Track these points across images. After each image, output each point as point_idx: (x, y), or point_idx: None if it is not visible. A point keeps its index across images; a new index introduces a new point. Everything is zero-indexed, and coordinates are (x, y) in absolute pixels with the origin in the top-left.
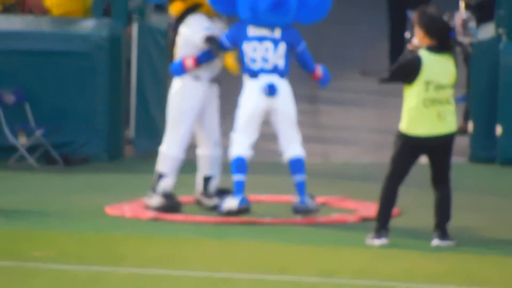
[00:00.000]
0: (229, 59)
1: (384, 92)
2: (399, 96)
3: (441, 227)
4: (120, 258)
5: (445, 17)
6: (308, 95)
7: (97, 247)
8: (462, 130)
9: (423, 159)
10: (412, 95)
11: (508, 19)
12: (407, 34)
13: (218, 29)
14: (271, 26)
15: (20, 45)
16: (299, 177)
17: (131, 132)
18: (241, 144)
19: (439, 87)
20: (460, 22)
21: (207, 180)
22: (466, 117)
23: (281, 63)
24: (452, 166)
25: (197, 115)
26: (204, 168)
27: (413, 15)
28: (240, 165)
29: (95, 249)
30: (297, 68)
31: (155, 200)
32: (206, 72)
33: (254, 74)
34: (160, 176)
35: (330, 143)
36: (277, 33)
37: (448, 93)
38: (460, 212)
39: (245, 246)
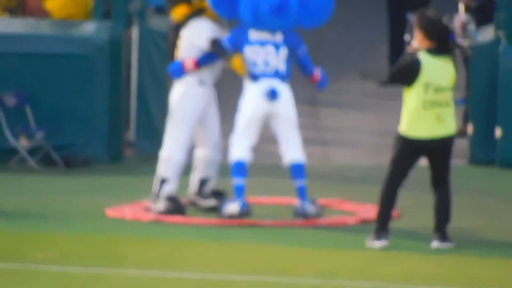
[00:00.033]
0: (237, 60)
1: (384, 94)
2: (399, 99)
3: (441, 229)
4: (121, 260)
5: (445, 20)
6: (308, 97)
7: (98, 248)
8: (461, 133)
9: (423, 161)
10: (412, 98)
11: (507, 22)
12: (406, 37)
13: (221, 33)
14: (273, 30)
15: (21, 47)
16: (300, 182)
17: (131, 134)
18: (241, 148)
19: (439, 89)
20: (459, 25)
21: (203, 182)
22: (465, 119)
23: (282, 67)
24: (451, 168)
25: (198, 119)
26: (201, 169)
27: (412, 18)
28: (240, 168)
29: (95, 251)
30: (297, 70)
31: (160, 204)
32: (211, 77)
33: (255, 78)
34: (163, 181)
35: (330, 145)
36: (279, 37)
37: (448, 96)
38: (460, 214)
39: (245, 248)
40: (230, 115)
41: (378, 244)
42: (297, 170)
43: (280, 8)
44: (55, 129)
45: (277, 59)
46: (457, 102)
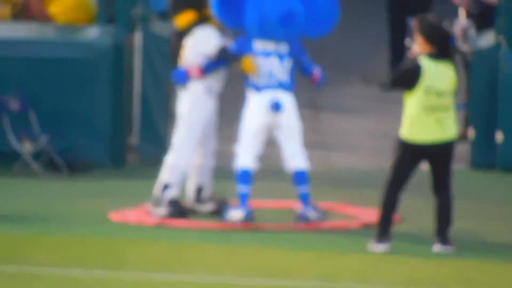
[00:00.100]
0: (246, 61)
1: (385, 98)
2: (400, 103)
3: (442, 233)
4: (124, 263)
5: (445, 25)
6: (309, 101)
7: (101, 251)
8: (462, 137)
9: (424, 166)
10: (413, 102)
11: (507, 27)
12: (407, 42)
13: (226, 41)
14: (278, 40)
15: (25, 52)
16: (302, 189)
17: (134, 138)
18: (246, 156)
19: (439, 94)
20: (460, 30)
21: (199, 189)
22: (466, 123)
23: (286, 78)
24: (453, 173)
25: (205, 127)
26: (196, 177)
27: (413, 23)
28: (245, 176)
29: (98, 254)
30: (298, 74)
31: (163, 209)
32: (218, 85)
33: (258, 89)
34: (166, 187)
35: (331, 149)
36: (283, 47)
37: (448, 100)
38: (461, 218)
39: (247, 251)
40: (231, 120)
41: (379, 247)
42: (300, 177)
43: (287, 17)
44: (58, 134)
45: (281, 70)
46: (458, 107)
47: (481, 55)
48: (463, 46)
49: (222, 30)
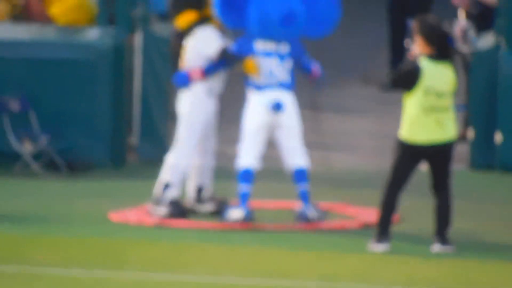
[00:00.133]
0: (249, 63)
1: (385, 99)
2: (400, 103)
3: (441, 233)
4: (124, 263)
5: (445, 26)
6: (309, 102)
7: (101, 252)
8: (462, 137)
9: (424, 166)
10: (412, 103)
11: (507, 28)
12: (407, 43)
13: (226, 42)
14: (279, 40)
15: (25, 53)
16: (302, 187)
17: (134, 138)
18: (248, 156)
19: (439, 94)
20: (459, 31)
21: (199, 189)
22: (466, 124)
23: (286, 78)
24: (452, 173)
25: (205, 127)
26: (196, 177)
27: (412, 24)
28: (247, 176)
29: (98, 254)
30: (298, 74)
31: (163, 209)
32: (219, 86)
33: (259, 88)
34: (166, 186)
35: (331, 149)
36: (284, 48)
37: (448, 101)
38: (460, 218)
39: (247, 251)
40: (231, 121)
41: (379, 247)
42: (300, 175)
43: (288, 17)
44: (58, 134)
45: (282, 70)
46: (458, 108)
47: (481, 56)
48: (463, 47)
49: (223, 30)
